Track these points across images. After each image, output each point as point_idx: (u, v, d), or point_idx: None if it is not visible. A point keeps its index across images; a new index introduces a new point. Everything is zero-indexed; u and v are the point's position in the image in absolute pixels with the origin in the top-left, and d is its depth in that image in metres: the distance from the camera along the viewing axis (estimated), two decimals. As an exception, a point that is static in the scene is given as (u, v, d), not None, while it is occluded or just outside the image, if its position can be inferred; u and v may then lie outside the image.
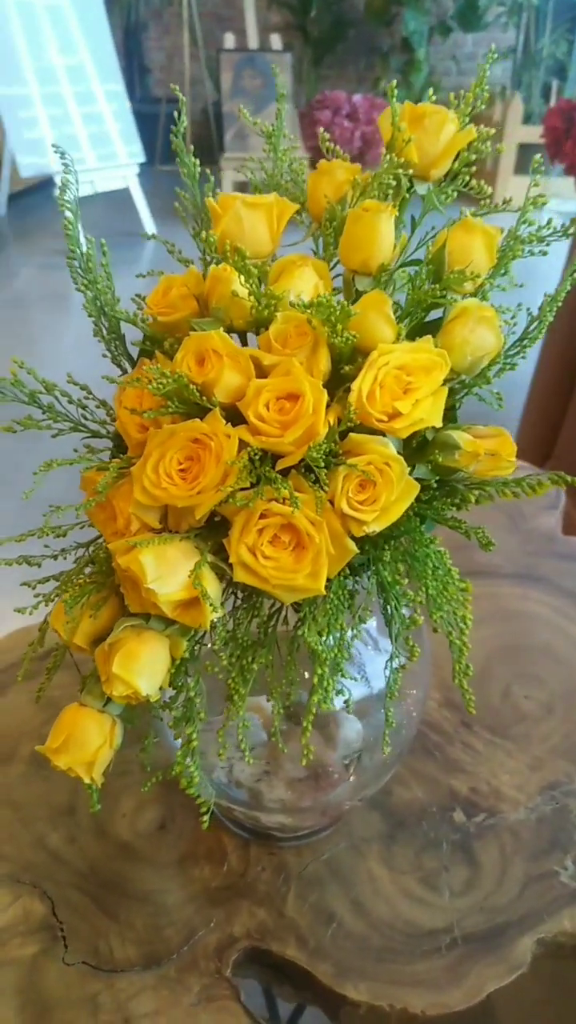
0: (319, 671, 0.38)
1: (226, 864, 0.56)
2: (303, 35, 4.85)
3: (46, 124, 3.57)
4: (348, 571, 0.41)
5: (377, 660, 0.51)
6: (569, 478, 0.41)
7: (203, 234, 0.43)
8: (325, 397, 0.37)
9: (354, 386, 0.37)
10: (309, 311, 0.36)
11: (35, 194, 4.45)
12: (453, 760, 0.63)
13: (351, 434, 0.37)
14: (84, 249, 0.43)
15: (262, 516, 0.37)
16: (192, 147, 0.45)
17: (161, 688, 0.40)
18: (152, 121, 4.67)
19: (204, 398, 0.37)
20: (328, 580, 0.39)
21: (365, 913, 0.53)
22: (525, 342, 0.44)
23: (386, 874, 0.56)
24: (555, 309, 0.43)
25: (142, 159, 3.90)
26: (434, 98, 0.42)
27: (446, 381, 0.41)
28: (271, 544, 0.37)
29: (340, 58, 5.00)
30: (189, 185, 0.44)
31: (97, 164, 3.74)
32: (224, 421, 0.37)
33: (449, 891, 0.55)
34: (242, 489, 0.37)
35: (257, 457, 0.37)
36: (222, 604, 0.40)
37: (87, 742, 0.40)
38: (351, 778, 0.54)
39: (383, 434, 0.38)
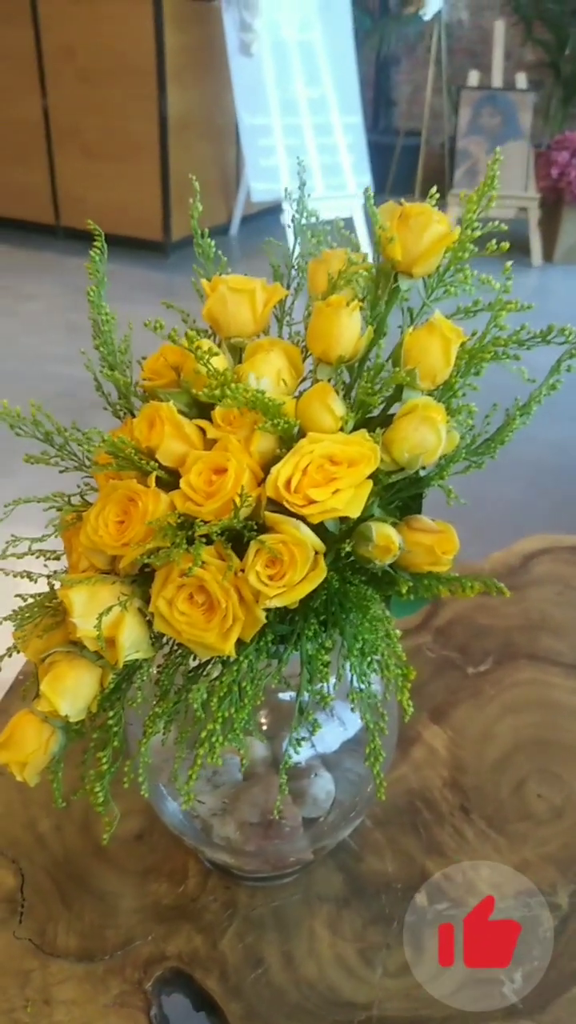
0: (211, 727, 0.41)
1: (183, 886, 0.59)
2: (555, 72, 4.75)
3: (282, 153, 3.78)
4: (273, 638, 0.43)
5: (329, 724, 0.52)
6: (500, 585, 0.41)
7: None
8: (248, 475, 0.40)
9: (274, 469, 0.39)
10: (240, 401, 0.39)
11: (266, 216, 4.70)
12: (437, 842, 0.63)
13: (266, 512, 0.40)
14: (105, 311, 0.48)
15: (184, 574, 0.40)
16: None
17: (96, 711, 0.44)
18: (388, 152, 4.78)
19: (144, 460, 0.41)
20: (243, 644, 0.42)
21: (292, 968, 0.54)
22: (493, 444, 0.44)
23: (327, 936, 0.56)
24: (527, 418, 0.43)
25: (371, 191, 4.01)
26: None
27: (389, 474, 0.42)
28: (187, 601, 0.41)
29: (592, 98, 4.84)
30: (204, 264, 0.48)
31: (325, 193, 3.90)
32: (161, 484, 0.41)
33: (383, 969, 0.54)
34: (169, 547, 0.40)
35: (180, 521, 0.40)
36: (155, 647, 0.44)
37: (24, 745, 0.45)
38: (301, 832, 0.56)
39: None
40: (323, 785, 0.58)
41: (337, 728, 0.53)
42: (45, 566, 0.52)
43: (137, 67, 3.55)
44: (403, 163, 4.77)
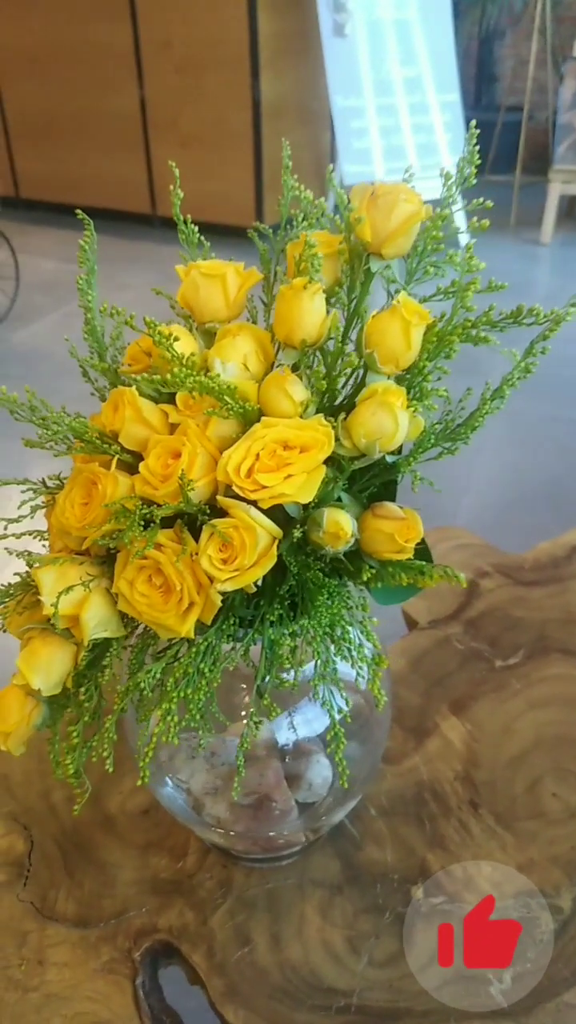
0: (165, 706, 0.41)
1: (182, 862, 0.60)
2: None
3: (376, 134, 3.73)
4: (235, 621, 0.44)
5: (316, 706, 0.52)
6: (459, 575, 0.40)
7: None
8: (201, 459, 0.40)
9: (224, 454, 0.39)
10: (191, 386, 0.39)
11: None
12: (440, 835, 0.61)
13: (219, 497, 0.40)
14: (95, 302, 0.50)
15: (139, 556, 0.41)
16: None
17: (71, 687, 0.46)
18: (488, 129, 4.63)
19: (108, 444, 0.42)
20: (205, 626, 0.42)
21: (279, 950, 0.55)
22: (465, 429, 0.42)
23: (317, 921, 0.56)
24: (501, 402, 0.42)
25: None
26: None
27: (352, 460, 0.42)
28: (147, 583, 0.41)
29: None
30: (188, 251, 0.48)
31: (421, 174, 3.81)
32: (129, 468, 0.42)
33: (368, 959, 0.54)
34: (124, 530, 0.41)
35: (141, 504, 0.41)
36: (127, 626, 0.45)
37: (7, 716, 0.47)
38: (292, 816, 0.56)
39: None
40: (320, 771, 0.58)
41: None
42: (43, 546, 0.54)
43: (231, 56, 3.57)
44: (505, 140, 4.61)
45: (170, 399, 0.44)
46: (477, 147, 0.44)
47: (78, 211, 0.49)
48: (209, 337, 0.46)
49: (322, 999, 0.52)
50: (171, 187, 0.45)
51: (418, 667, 0.76)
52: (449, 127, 3.92)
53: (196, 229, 0.48)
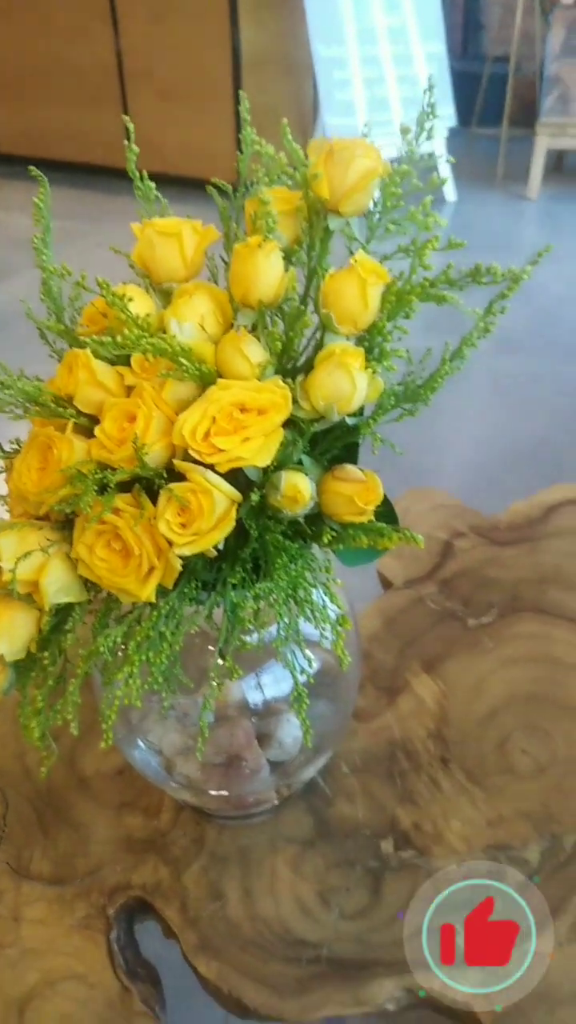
0: (127, 669, 0.42)
1: (156, 821, 0.61)
2: None
3: (360, 86, 3.64)
4: (196, 585, 0.44)
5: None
6: (417, 537, 0.40)
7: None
8: (156, 423, 0.39)
9: (180, 417, 0.39)
10: (147, 347, 0.39)
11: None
12: (410, 791, 0.62)
13: (176, 461, 0.40)
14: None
15: (96, 521, 0.41)
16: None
17: (36, 651, 0.46)
18: (475, 81, 4.54)
19: (63, 408, 0.42)
20: (167, 590, 0.42)
21: (251, 904, 0.56)
22: (424, 391, 0.42)
23: (289, 876, 0.58)
24: (460, 362, 0.41)
25: (453, 123, 3.83)
26: None
27: (311, 422, 0.41)
28: (106, 547, 0.41)
29: None
30: (145, 206, 0.47)
31: (405, 127, 3.75)
32: (86, 432, 0.42)
33: (339, 912, 0.55)
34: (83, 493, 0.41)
35: (97, 468, 0.41)
36: (89, 591, 0.45)
37: (-28, 681, 0.47)
38: (263, 775, 0.56)
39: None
40: (290, 730, 0.58)
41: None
42: (5, 510, 0.54)
43: (209, 3, 3.47)
44: (492, 92, 4.52)
45: (126, 361, 0.43)
46: (447, 100, 0.43)
47: (31, 168, 0.47)
48: (166, 297, 0.45)
49: (293, 951, 0.53)
50: (125, 142, 0.44)
51: (392, 627, 0.77)
52: (434, 78, 3.84)
53: (153, 186, 0.47)
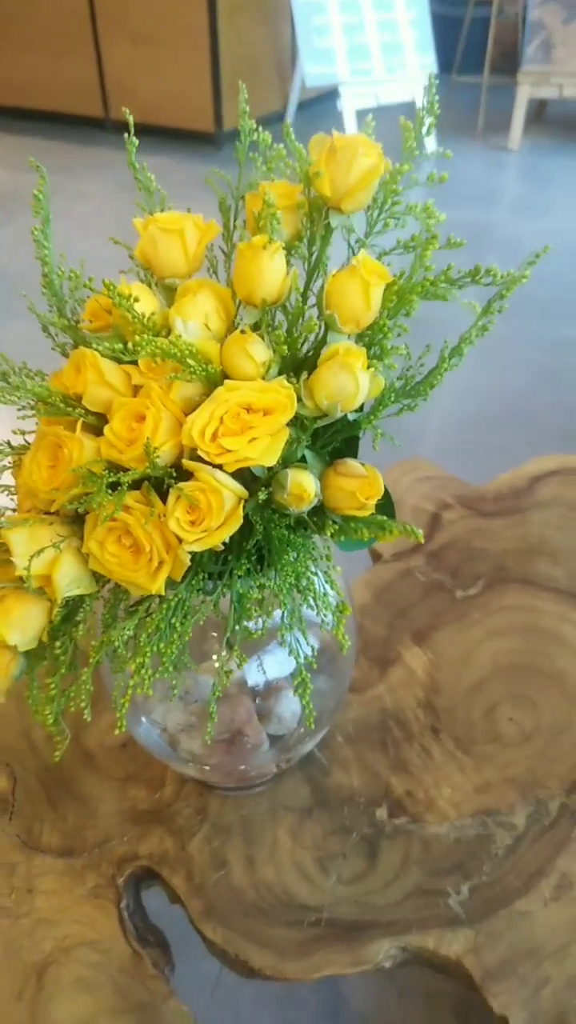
0: (139, 660, 0.43)
1: (160, 793, 0.64)
2: None
3: (339, 32, 3.55)
4: (204, 576, 0.45)
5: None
6: (417, 532, 0.41)
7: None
8: (166, 423, 0.40)
9: (188, 418, 0.40)
10: (152, 350, 0.39)
11: (323, 101, 4.47)
12: (403, 759, 0.65)
13: (185, 460, 0.41)
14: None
15: (109, 519, 0.42)
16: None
17: (47, 641, 0.47)
18: (455, 26, 4.43)
19: (72, 407, 0.42)
20: (176, 582, 0.44)
21: (253, 871, 0.59)
22: (424, 386, 0.43)
23: (288, 843, 0.60)
24: (459, 359, 0.42)
25: (434, 71, 3.75)
26: None
27: (315, 419, 0.42)
28: (117, 543, 0.42)
29: None
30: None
31: (385, 76, 3.67)
32: (94, 430, 0.42)
33: (337, 877, 0.58)
34: (92, 493, 0.42)
35: (107, 467, 0.42)
36: (99, 582, 0.46)
37: (-15, 668, 0.49)
38: (264, 749, 0.59)
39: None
40: (289, 706, 0.60)
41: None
42: (12, 499, 0.54)
43: (184, -57, 3.35)
44: (473, 37, 4.42)
45: (134, 360, 0.44)
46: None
47: (31, 159, 0.47)
48: (169, 293, 0.45)
49: (294, 915, 0.56)
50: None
51: (382, 599, 0.79)
52: (415, 24, 3.75)
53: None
